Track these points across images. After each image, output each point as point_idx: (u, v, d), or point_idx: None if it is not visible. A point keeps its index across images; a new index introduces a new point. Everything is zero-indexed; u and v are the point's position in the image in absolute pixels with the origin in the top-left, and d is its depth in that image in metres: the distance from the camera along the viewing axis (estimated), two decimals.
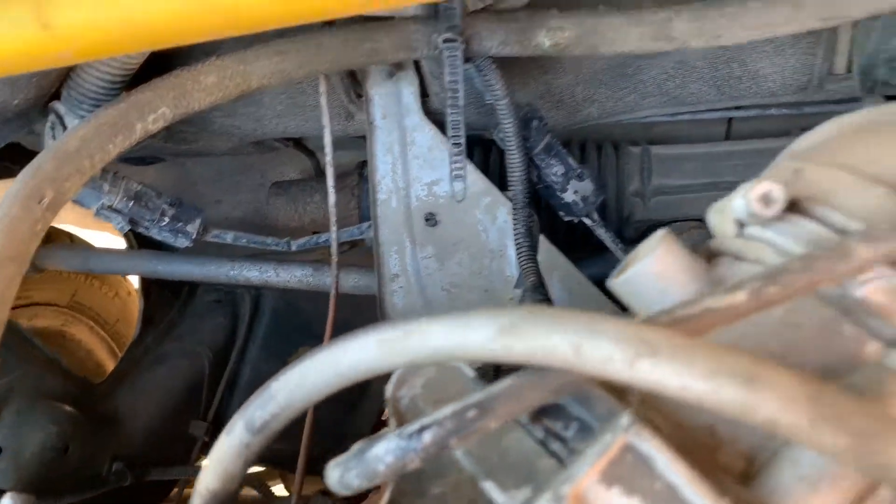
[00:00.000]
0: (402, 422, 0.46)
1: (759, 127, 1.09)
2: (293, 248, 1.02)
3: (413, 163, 0.96)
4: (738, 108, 1.03)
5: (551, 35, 0.74)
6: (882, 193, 0.42)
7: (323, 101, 0.87)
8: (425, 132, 0.95)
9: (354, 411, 1.67)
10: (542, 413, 0.39)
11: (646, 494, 0.36)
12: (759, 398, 0.30)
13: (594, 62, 0.94)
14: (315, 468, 0.65)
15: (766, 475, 0.35)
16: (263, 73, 0.75)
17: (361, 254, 1.12)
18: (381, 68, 0.91)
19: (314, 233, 1.28)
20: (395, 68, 0.91)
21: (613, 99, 0.99)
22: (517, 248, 0.90)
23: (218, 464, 0.45)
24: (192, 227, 0.94)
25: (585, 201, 0.91)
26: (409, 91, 0.93)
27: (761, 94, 0.98)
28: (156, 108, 0.70)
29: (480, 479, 0.41)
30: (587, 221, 0.94)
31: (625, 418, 0.35)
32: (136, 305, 2.08)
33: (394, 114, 0.94)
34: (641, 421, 0.34)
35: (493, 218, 0.97)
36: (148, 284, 1.46)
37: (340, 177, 1.17)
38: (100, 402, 1.28)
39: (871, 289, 0.39)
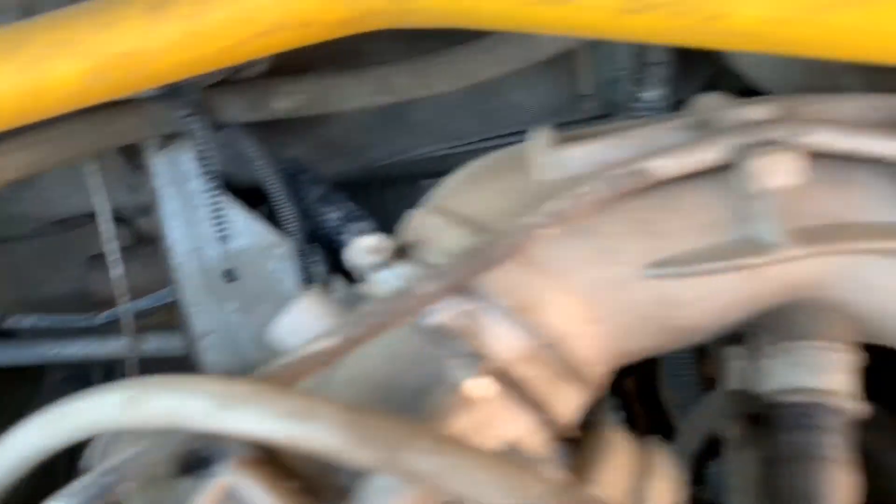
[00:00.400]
0: None
1: None
2: (97, 322, 1.04)
3: (202, 224, 1.00)
4: (507, 134, 1.11)
5: (286, 99, 0.80)
6: (464, 233, 0.49)
7: (94, 181, 0.91)
8: (209, 194, 0.99)
9: None
10: (186, 465, 0.43)
11: None
12: (308, 431, 0.36)
13: (361, 111, 1.01)
14: None
15: (355, 496, 0.41)
16: (15, 167, 0.78)
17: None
18: (155, 139, 0.95)
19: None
20: (168, 139, 0.95)
21: (388, 142, 1.06)
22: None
23: None
24: None
25: None
26: (186, 157, 0.97)
27: (521, 122, 1.07)
28: None
29: None
30: None
31: (226, 463, 0.40)
32: None
33: (176, 180, 0.98)
34: (242, 462, 0.40)
35: (287, 266, 1.02)
36: None
37: (151, 242, 1.20)
38: None
39: (442, 316, 0.45)
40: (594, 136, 0.52)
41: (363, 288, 0.51)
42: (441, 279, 0.44)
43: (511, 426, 0.48)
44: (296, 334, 0.48)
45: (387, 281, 0.48)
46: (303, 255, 0.92)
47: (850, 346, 0.50)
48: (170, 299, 1.08)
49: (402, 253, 0.49)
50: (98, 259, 1.19)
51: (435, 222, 0.51)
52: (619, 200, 0.48)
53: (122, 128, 0.80)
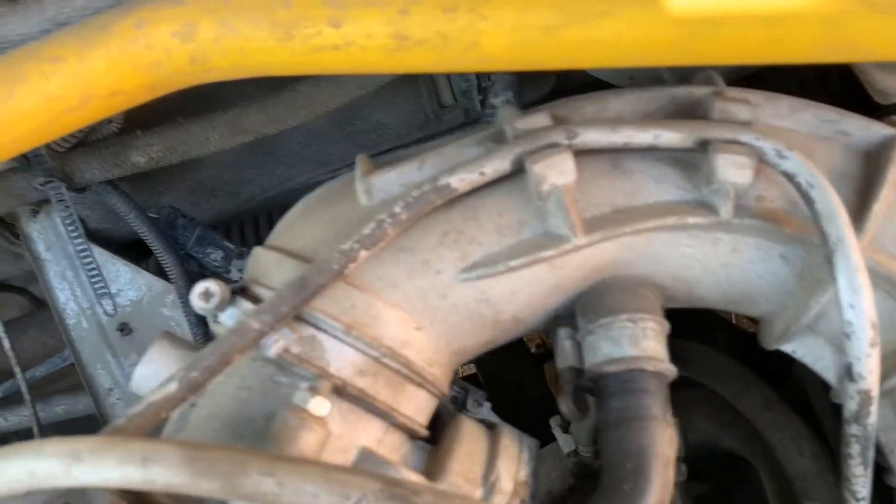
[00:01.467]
0: None
1: None
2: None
3: (89, 283, 1.01)
4: (378, 153, 1.15)
5: (143, 152, 0.82)
6: (293, 265, 0.53)
7: None
8: (91, 253, 1.00)
9: None
10: None
11: None
12: (153, 473, 0.39)
13: (230, 150, 1.04)
14: None
15: None
16: None
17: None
18: (26, 207, 0.96)
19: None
20: (38, 206, 0.96)
21: (265, 176, 1.09)
22: (194, 338, 0.98)
23: None
24: None
25: None
26: (59, 221, 0.98)
27: (393, 138, 1.11)
28: None
29: None
30: None
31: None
32: None
33: (56, 243, 0.99)
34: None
35: (181, 312, 1.03)
36: None
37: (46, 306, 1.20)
38: None
39: (278, 346, 0.49)
40: (403, 159, 0.56)
41: (216, 329, 0.54)
42: (272, 311, 0.47)
43: (363, 435, 0.52)
44: (150, 382, 0.51)
45: (227, 320, 0.51)
46: (187, 301, 0.94)
47: (660, 315, 0.56)
48: (68, 362, 1.09)
49: (242, 292, 0.52)
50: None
51: (269, 258, 0.55)
52: (428, 215, 0.52)
53: None
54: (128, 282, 1.02)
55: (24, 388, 0.96)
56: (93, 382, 1.05)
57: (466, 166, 0.51)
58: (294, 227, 0.59)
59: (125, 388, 1.06)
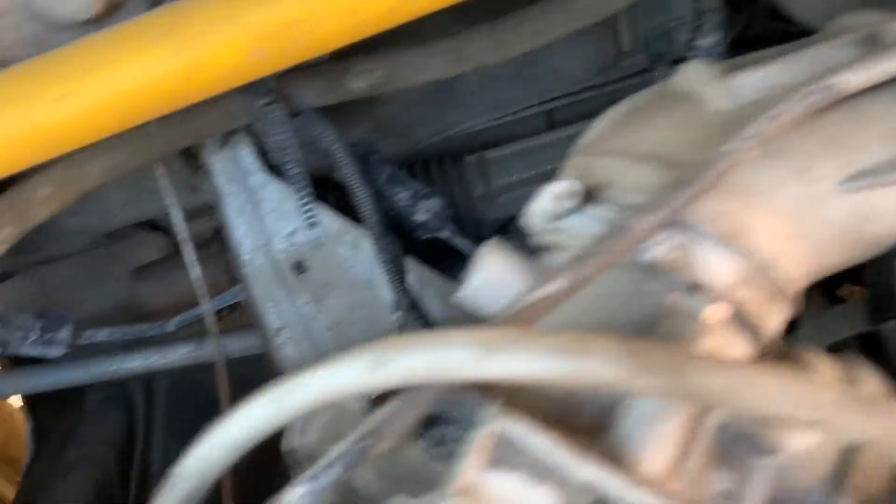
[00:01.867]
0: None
1: (577, 111, 1.19)
2: (170, 328, 1.03)
3: (267, 218, 0.99)
4: (552, 99, 1.12)
5: (363, 77, 0.79)
6: (653, 168, 0.50)
7: (164, 183, 0.89)
8: (272, 188, 0.98)
9: (276, 473, 1.68)
10: (427, 425, 0.44)
11: (525, 468, 0.41)
12: (587, 366, 0.36)
13: (413, 88, 1.01)
14: None
15: (615, 426, 0.42)
16: (98, 173, 0.77)
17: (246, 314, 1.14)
18: (214, 138, 0.94)
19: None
20: (227, 136, 0.94)
21: (439, 118, 1.07)
22: (388, 276, 0.95)
23: None
24: (64, 335, 0.93)
25: (437, 217, 0.97)
26: (246, 153, 0.96)
27: (566, 85, 1.08)
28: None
29: (385, 497, 0.46)
30: (443, 235, 1.00)
31: (492, 409, 0.40)
32: (20, 425, 1.99)
33: (237, 177, 0.97)
34: (507, 408, 0.40)
35: (358, 252, 1.01)
36: (32, 400, 1.41)
37: (202, 247, 1.19)
38: None
39: (658, 250, 0.46)
40: (758, 62, 0.53)
41: (544, 238, 0.51)
42: (653, 214, 0.44)
43: (733, 351, 0.49)
44: (492, 291, 0.48)
45: (583, 226, 0.48)
46: (382, 238, 0.92)
47: None
48: (235, 300, 1.07)
49: (588, 198, 0.50)
50: (145, 270, 1.18)
51: (610, 164, 0.52)
52: (809, 119, 0.49)
53: (200, 124, 0.79)
54: (304, 222, 1.00)
55: (209, 320, 0.94)
56: (263, 321, 1.03)
57: (853, 66, 0.48)
58: (625, 134, 0.56)
59: (295, 328, 1.04)
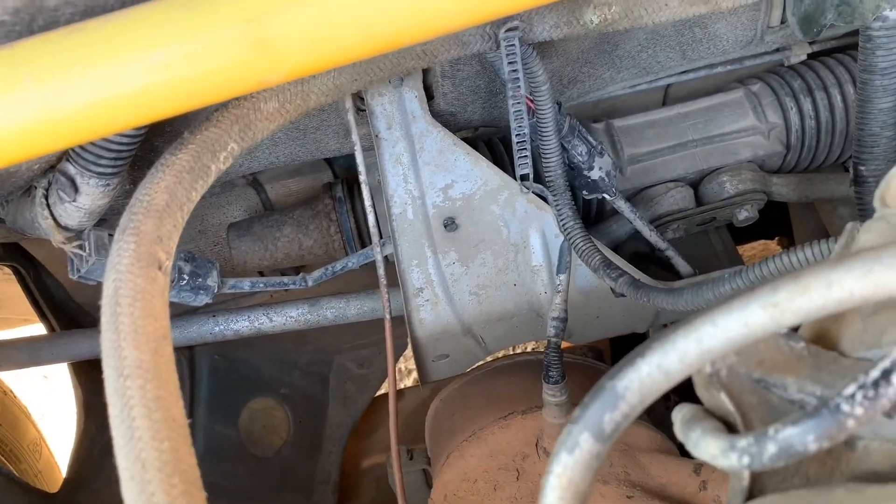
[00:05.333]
0: (731, 394, 0.45)
1: (695, 88, 1.18)
2: (310, 283, 0.95)
3: (425, 170, 0.93)
4: (701, 68, 1.09)
5: (599, 11, 0.75)
6: None
7: (351, 116, 0.82)
8: (434, 136, 0.92)
9: (318, 455, 1.59)
10: None
11: None
12: None
13: (582, 42, 0.97)
14: None
15: None
16: (321, 91, 0.69)
17: (340, 282, 1.06)
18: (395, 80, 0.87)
19: (298, 267, 1.19)
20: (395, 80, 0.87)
21: (593, 77, 1.03)
22: (566, 234, 0.90)
23: (567, 486, 0.42)
24: (213, 280, 0.84)
25: (609, 176, 0.93)
26: (412, 97, 0.90)
27: (716, 54, 1.06)
28: (225, 145, 0.63)
29: None
30: (608, 197, 0.96)
31: None
32: (14, 405, 1.83)
33: (399, 123, 0.91)
34: None
35: (514, 210, 0.96)
36: (80, 370, 1.28)
37: (310, 203, 1.10)
38: None
39: None
40: None
41: None
42: None
43: None
44: None
45: None
46: (566, 190, 0.87)
47: None
48: (371, 258, 0.99)
49: None
50: (238, 228, 1.09)
51: None
52: None
53: (427, 47, 0.73)
54: (464, 173, 0.94)
55: (380, 271, 0.87)
56: (405, 279, 0.96)
57: None
58: None
59: (436, 287, 0.98)
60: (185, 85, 0.44)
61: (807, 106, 1.08)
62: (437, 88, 0.90)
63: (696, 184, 1.11)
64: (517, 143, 0.82)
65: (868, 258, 0.37)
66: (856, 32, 1.09)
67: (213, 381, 1.47)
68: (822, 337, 0.47)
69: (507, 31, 0.71)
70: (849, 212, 1.22)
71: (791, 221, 1.42)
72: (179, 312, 1.13)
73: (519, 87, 0.76)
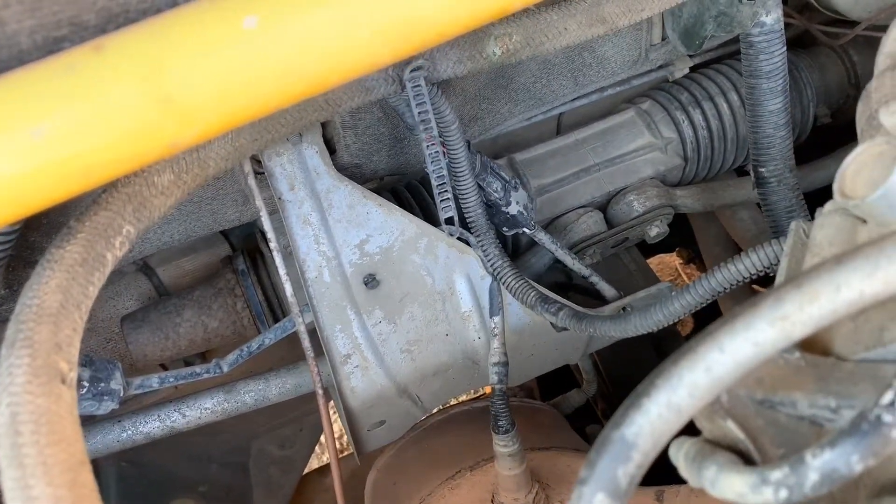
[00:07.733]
0: (737, 419, 0.41)
1: (586, 113, 1.18)
2: (225, 368, 0.86)
3: (336, 227, 0.87)
4: (591, 93, 1.09)
5: (500, 42, 0.72)
6: None
7: (251, 181, 0.75)
8: (342, 191, 0.86)
9: (291, 446, 1.48)
10: None
11: None
12: None
13: (478, 79, 0.94)
14: None
15: None
16: (219, 156, 0.63)
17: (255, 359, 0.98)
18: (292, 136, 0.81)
19: (202, 353, 1.10)
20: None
21: (492, 113, 1.01)
22: (496, 274, 0.86)
23: None
24: (117, 383, 0.74)
25: (527, 209, 0.90)
26: (313, 152, 0.84)
27: (605, 76, 1.07)
28: (119, 229, 0.55)
29: None
30: (527, 230, 0.93)
31: None
32: None
33: (302, 182, 0.85)
34: None
35: (435, 258, 0.91)
36: None
37: (209, 281, 1.02)
38: None
39: None
40: None
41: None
42: None
43: None
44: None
45: None
46: (489, 230, 0.84)
47: None
48: (289, 332, 0.92)
49: None
50: (132, 319, 0.99)
51: None
52: None
53: (331, 97, 0.68)
54: (379, 226, 0.89)
55: (306, 348, 0.80)
56: (330, 347, 0.89)
57: None
58: None
59: (365, 351, 0.91)
60: (78, 161, 0.37)
61: (697, 117, 1.10)
62: (338, 141, 0.85)
63: (604, 207, 1.11)
64: (437, 185, 0.78)
65: (872, 254, 0.35)
66: (732, 42, 1.13)
67: (122, 492, 1.33)
68: (810, 345, 0.44)
69: (412, 71, 0.67)
70: (749, 215, 1.25)
71: (693, 231, 1.45)
72: None
73: (430, 128, 0.72)
